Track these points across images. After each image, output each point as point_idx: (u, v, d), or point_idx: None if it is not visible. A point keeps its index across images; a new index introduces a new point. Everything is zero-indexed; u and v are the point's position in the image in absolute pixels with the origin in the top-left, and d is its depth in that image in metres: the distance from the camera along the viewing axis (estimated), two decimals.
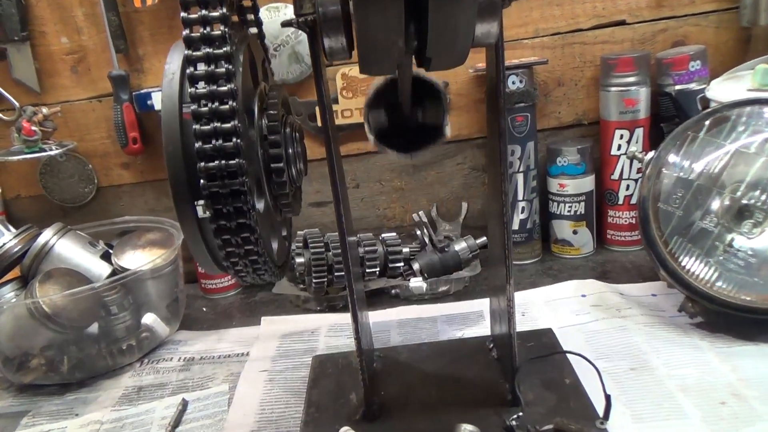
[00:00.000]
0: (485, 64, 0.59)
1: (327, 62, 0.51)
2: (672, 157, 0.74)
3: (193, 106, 0.45)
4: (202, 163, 0.45)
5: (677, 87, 0.91)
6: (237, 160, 0.46)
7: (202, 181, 0.46)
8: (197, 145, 0.45)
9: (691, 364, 0.68)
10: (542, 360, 0.67)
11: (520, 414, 0.59)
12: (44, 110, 0.95)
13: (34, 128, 0.93)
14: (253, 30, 0.60)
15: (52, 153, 0.95)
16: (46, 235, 0.84)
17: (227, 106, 0.45)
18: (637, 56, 0.90)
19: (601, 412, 0.59)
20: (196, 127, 0.45)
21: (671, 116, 0.92)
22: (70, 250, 0.84)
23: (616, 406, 0.60)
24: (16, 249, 0.83)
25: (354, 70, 0.95)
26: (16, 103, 0.98)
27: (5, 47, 0.96)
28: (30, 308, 0.75)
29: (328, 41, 0.46)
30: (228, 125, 0.45)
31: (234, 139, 0.45)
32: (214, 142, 0.45)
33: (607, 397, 0.59)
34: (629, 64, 0.90)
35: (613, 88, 0.91)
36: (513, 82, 0.91)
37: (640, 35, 0.95)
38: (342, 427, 0.60)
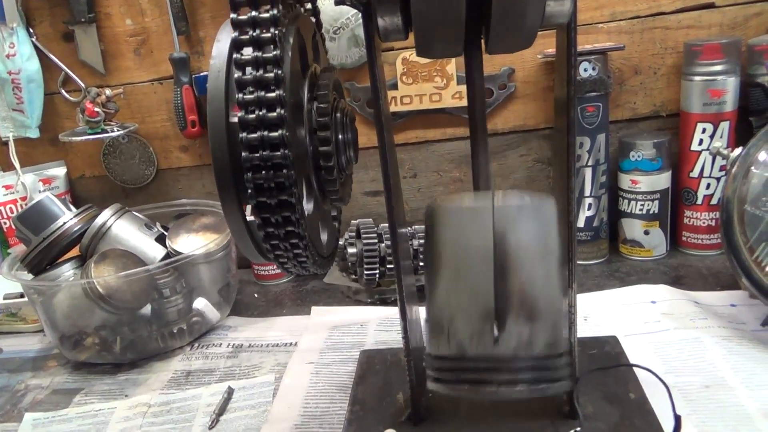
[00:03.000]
0: (554, 49, 0.54)
1: (382, 44, 0.48)
2: (763, 155, 0.67)
3: (240, 113, 0.43)
4: (249, 174, 0.43)
5: None
6: (285, 170, 0.43)
7: (249, 190, 0.44)
8: (244, 154, 0.43)
9: None
10: (605, 371, 0.62)
11: (578, 429, 0.55)
12: (107, 92, 0.96)
13: (97, 109, 0.94)
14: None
15: (113, 134, 0.96)
16: (104, 216, 0.85)
17: (275, 114, 0.42)
18: (725, 42, 0.82)
19: None
20: (243, 135, 0.43)
21: (762, 110, 0.83)
22: (127, 231, 0.85)
23: (686, 428, 0.55)
24: (75, 228, 0.84)
25: (415, 55, 0.91)
26: (82, 84, 1.00)
27: (73, 29, 0.98)
28: (85, 288, 0.76)
29: (383, 20, 0.43)
30: (275, 134, 0.43)
31: (282, 150, 0.43)
32: (261, 152, 0.43)
33: (677, 418, 0.54)
34: (716, 52, 0.82)
35: (697, 78, 0.84)
36: (585, 70, 0.85)
37: (730, 19, 0.87)
38: (387, 429, 0.57)
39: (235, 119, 0.44)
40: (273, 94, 0.43)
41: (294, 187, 0.44)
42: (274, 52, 0.43)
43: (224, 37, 0.47)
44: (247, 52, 0.43)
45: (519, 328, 0.43)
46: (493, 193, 0.42)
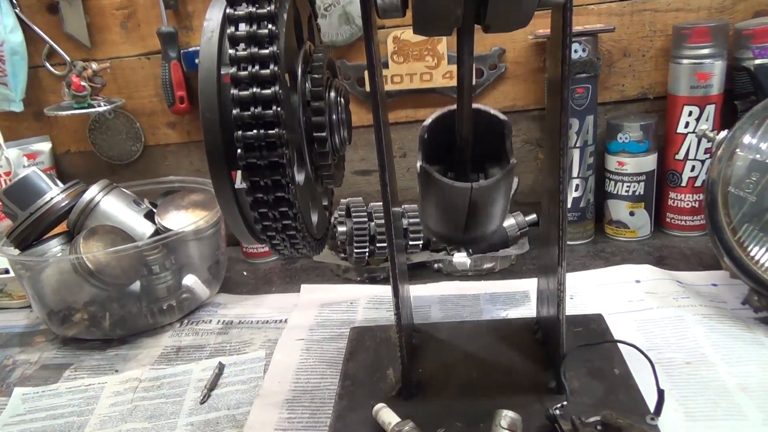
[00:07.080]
0: (546, 30, 0.54)
1: (379, 21, 0.48)
2: (747, 138, 0.68)
3: (232, 70, 0.42)
4: (239, 132, 0.42)
5: (757, 61, 0.83)
6: (276, 129, 0.42)
7: (239, 150, 0.43)
8: (235, 111, 0.42)
9: (753, 361, 0.63)
10: (590, 347, 0.63)
11: (565, 403, 0.56)
12: (94, 66, 0.94)
13: (83, 84, 0.93)
14: None
15: (100, 109, 0.95)
16: (92, 192, 0.84)
17: (268, 71, 0.42)
18: (713, 26, 0.83)
19: (652, 406, 0.55)
20: (234, 92, 0.42)
21: (747, 93, 0.85)
22: (115, 207, 0.84)
23: (668, 402, 0.56)
24: (63, 204, 0.83)
25: (406, 33, 0.91)
26: (68, 58, 0.98)
27: (58, 1, 0.96)
28: (74, 264, 0.76)
29: None
30: (268, 91, 0.42)
31: (274, 107, 0.42)
32: (252, 109, 0.42)
33: (660, 392, 0.56)
34: (704, 35, 0.83)
35: (685, 61, 0.85)
36: (575, 51, 0.85)
37: (718, 3, 0.88)
38: (377, 403, 0.58)
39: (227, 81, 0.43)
40: (267, 51, 0.42)
41: (285, 147, 0.43)
42: (269, 8, 0.42)
43: (218, 3, 0.46)
44: (240, 11, 0.42)
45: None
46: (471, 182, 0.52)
